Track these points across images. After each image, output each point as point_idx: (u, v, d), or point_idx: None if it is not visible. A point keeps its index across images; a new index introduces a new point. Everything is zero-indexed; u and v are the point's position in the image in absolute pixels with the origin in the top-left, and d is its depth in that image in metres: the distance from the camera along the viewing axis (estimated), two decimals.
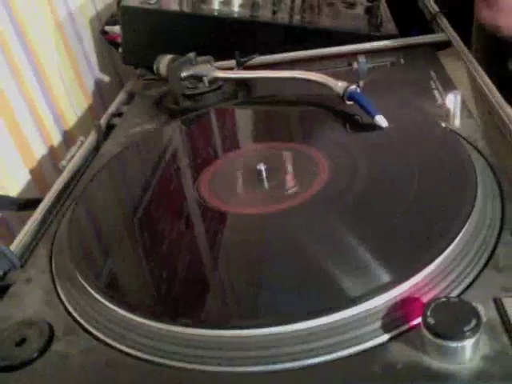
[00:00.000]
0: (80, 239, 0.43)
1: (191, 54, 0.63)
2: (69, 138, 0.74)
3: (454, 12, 0.78)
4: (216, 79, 0.62)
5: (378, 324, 0.31)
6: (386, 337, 0.31)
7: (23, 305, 0.39)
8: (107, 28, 0.85)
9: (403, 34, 0.74)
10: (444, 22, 0.74)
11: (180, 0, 0.75)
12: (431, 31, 0.76)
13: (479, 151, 0.46)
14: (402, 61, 0.65)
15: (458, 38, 0.69)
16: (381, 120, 0.48)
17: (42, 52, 0.71)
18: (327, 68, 0.67)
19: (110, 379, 0.32)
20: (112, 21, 0.86)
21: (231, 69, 0.66)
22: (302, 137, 0.53)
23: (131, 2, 0.77)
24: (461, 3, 0.87)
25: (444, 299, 0.30)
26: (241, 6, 0.75)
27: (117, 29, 0.80)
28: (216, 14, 0.74)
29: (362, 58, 0.64)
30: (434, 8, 0.79)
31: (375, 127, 0.49)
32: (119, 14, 0.75)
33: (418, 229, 0.37)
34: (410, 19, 0.91)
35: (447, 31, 0.71)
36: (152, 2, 0.75)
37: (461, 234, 0.35)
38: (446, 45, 0.71)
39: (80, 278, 0.38)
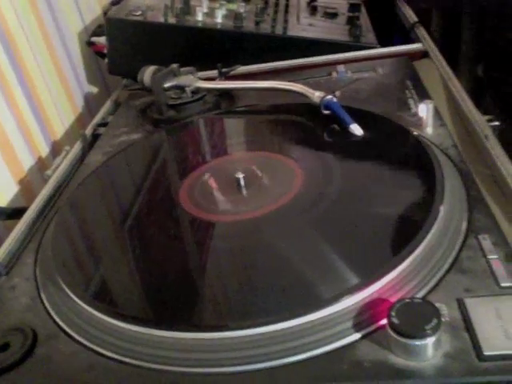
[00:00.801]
0: (64, 247, 0.44)
1: (174, 65, 0.64)
2: (56, 148, 0.75)
3: (430, 22, 0.80)
4: (199, 89, 0.64)
5: (348, 325, 0.33)
6: (354, 337, 0.32)
7: (7, 311, 0.40)
8: (94, 39, 0.86)
9: (387, 42, 0.76)
10: (422, 31, 0.77)
11: (165, 11, 0.77)
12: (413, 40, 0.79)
13: (450, 158, 0.47)
14: (380, 70, 0.67)
15: (435, 48, 0.71)
16: (355, 128, 0.50)
17: (29, 64, 0.72)
18: (308, 77, 0.69)
19: (93, 382, 0.33)
20: (98, 32, 0.88)
21: (214, 79, 0.67)
22: (279, 146, 0.54)
23: (117, 13, 0.78)
24: (438, 14, 0.90)
25: (408, 300, 0.32)
26: (224, 17, 0.77)
27: (103, 40, 0.82)
28: (200, 25, 0.76)
29: (341, 68, 0.66)
30: (413, 18, 0.81)
31: (350, 135, 0.51)
32: (105, 26, 0.77)
33: (386, 234, 0.39)
34: (393, 27, 0.93)
35: (424, 41, 0.73)
36: (137, 14, 0.77)
37: (426, 239, 0.37)
38: (424, 54, 0.73)
39: (63, 285, 0.40)
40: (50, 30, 0.79)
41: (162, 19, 0.76)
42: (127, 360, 0.34)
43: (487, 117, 0.54)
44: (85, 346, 0.35)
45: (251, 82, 0.63)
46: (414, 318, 0.31)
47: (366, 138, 0.51)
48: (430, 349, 0.30)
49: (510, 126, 0.65)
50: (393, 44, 0.76)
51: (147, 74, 0.64)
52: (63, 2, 0.85)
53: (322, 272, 0.36)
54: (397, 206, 0.42)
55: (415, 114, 0.55)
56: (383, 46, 0.75)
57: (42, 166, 0.71)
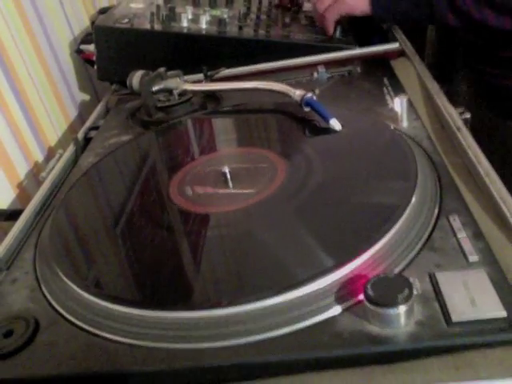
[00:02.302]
0: (61, 240, 0.47)
1: (161, 69, 0.67)
2: (49, 153, 0.77)
3: None
4: (185, 92, 0.66)
5: (329, 300, 0.36)
6: (335, 311, 0.35)
7: (9, 302, 0.42)
8: (82, 47, 0.89)
9: (366, 42, 0.79)
10: (398, 32, 0.80)
11: (151, 19, 0.79)
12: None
13: (423, 149, 0.51)
14: (359, 69, 0.70)
15: (410, 47, 0.75)
16: (335, 123, 0.53)
17: (21, 72, 0.74)
18: (291, 78, 0.72)
19: (91, 361, 0.36)
20: (87, 40, 0.90)
21: (200, 82, 0.70)
22: (263, 142, 0.57)
23: (104, 21, 0.81)
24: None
25: (383, 275, 0.35)
26: (208, 23, 0.80)
27: (92, 47, 0.84)
28: (185, 31, 0.79)
29: (321, 68, 0.69)
30: None
31: (330, 130, 0.54)
32: (93, 34, 0.80)
33: (365, 217, 0.42)
34: (372, 28, 0.96)
35: (401, 41, 0.77)
36: (124, 22, 0.80)
37: (400, 221, 0.40)
38: (401, 53, 0.77)
39: (61, 274, 0.42)
40: (39, 39, 0.82)
41: (148, 26, 0.79)
42: (121, 339, 0.36)
43: (459, 109, 0.57)
44: (82, 329, 0.38)
45: (235, 83, 0.66)
46: (388, 290, 0.33)
47: (344, 132, 0.54)
48: (403, 317, 0.33)
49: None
50: (373, 44, 0.79)
51: (135, 78, 0.67)
52: (52, 12, 0.87)
53: (305, 253, 0.39)
54: (374, 192, 0.45)
55: (392, 110, 0.58)
56: (362, 46, 0.78)
57: (36, 170, 0.73)
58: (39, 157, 0.75)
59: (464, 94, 0.97)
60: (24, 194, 0.69)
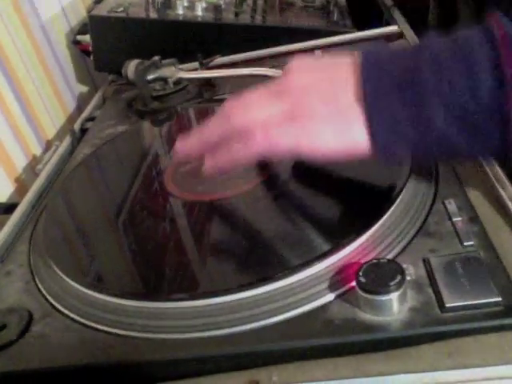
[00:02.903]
0: (54, 233, 0.47)
1: (156, 58, 0.66)
2: (46, 144, 0.77)
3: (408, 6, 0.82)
4: (181, 80, 0.66)
5: (321, 287, 0.35)
6: (327, 298, 0.35)
7: (3, 295, 0.42)
8: (79, 37, 0.88)
9: (365, 26, 0.78)
10: (397, 14, 0.78)
11: (146, 7, 0.79)
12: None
13: None
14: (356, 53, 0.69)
15: (409, 29, 0.73)
16: None
17: (16, 64, 0.74)
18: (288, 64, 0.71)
19: (84, 352, 0.36)
20: (83, 30, 0.89)
21: (195, 70, 0.69)
22: None
23: (99, 11, 0.80)
24: None
25: (375, 261, 0.34)
26: (204, 9, 0.79)
27: (88, 38, 0.84)
28: (181, 18, 0.78)
29: (318, 53, 0.68)
30: (389, 1, 0.83)
31: None
32: (89, 24, 0.79)
33: (357, 202, 0.41)
34: (371, 11, 0.95)
35: (400, 23, 0.75)
36: (119, 11, 0.79)
37: (394, 205, 0.39)
38: (400, 36, 0.75)
39: (54, 266, 0.42)
40: (35, 30, 0.81)
41: (143, 14, 0.78)
42: (114, 330, 0.36)
43: None
44: (76, 321, 0.38)
45: (230, 70, 0.65)
46: (380, 276, 0.33)
47: None
48: (396, 304, 0.32)
49: None
50: (371, 27, 0.78)
51: (130, 67, 0.66)
52: (47, 3, 0.87)
53: (296, 240, 0.39)
54: (366, 176, 0.44)
55: None
56: (362, 29, 0.77)
57: (33, 162, 0.73)
58: (37, 149, 0.75)
59: None
60: (22, 187, 0.69)
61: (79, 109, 0.89)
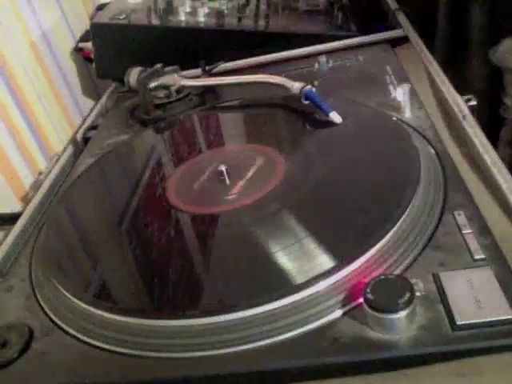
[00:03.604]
0: (55, 247, 0.46)
1: (158, 66, 0.65)
2: (49, 154, 0.76)
3: (414, 8, 0.81)
4: (183, 88, 0.65)
5: (328, 304, 0.34)
6: (334, 315, 0.34)
7: (5, 311, 0.41)
8: (81, 44, 0.88)
9: (370, 30, 0.77)
10: (402, 18, 0.77)
11: (148, 13, 0.78)
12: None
13: (427, 139, 0.49)
14: (361, 58, 0.68)
15: (414, 33, 0.72)
16: (334, 116, 0.51)
17: (18, 72, 0.73)
18: (292, 69, 0.71)
19: (84, 371, 0.35)
20: (86, 37, 0.89)
21: (198, 77, 0.69)
22: (262, 137, 0.55)
23: (101, 18, 0.80)
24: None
25: (383, 277, 0.33)
26: (207, 15, 0.78)
27: (91, 44, 0.83)
28: (183, 24, 0.77)
29: (322, 59, 0.67)
30: (394, 4, 0.82)
31: (330, 123, 0.52)
32: (90, 31, 0.78)
33: (365, 215, 0.40)
34: (376, 15, 0.94)
35: (405, 27, 0.74)
36: (121, 18, 0.78)
37: (402, 218, 0.38)
38: (405, 40, 0.74)
39: (55, 282, 0.41)
40: (37, 39, 0.81)
41: (145, 21, 0.78)
42: (115, 349, 0.35)
43: (465, 97, 0.55)
44: (76, 339, 0.37)
45: (232, 77, 0.64)
46: (389, 293, 0.32)
47: (344, 125, 0.52)
48: (404, 322, 0.31)
49: None
50: (378, 31, 0.77)
51: (132, 75, 0.65)
52: (49, 9, 0.86)
53: (303, 255, 0.38)
54: (374, 189, 0.43)
55: (394, 99, 0.56)
56: (368, 33, 0.76)
57: (35, 171, 0.72)
58: (39, 158, 0.74)
59: (478, 77, 0.94)
60: (24, 197, 0.68)
61: (81, 114, 0.89)
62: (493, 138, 0.76)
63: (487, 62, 0.89)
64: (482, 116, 0.80)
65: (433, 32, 1.01)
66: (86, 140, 0.70)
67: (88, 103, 0.92)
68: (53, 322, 0.39)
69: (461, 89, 0.84)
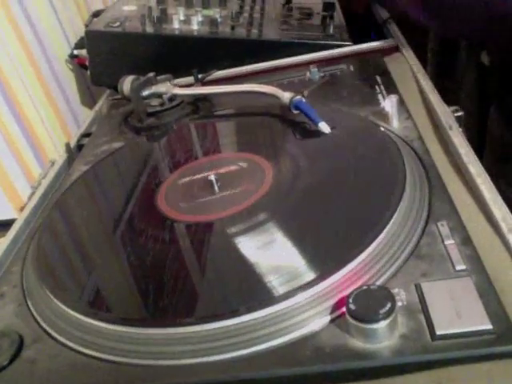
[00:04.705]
0: (47, 254, 0.47)
1: (151, 74, 0.66)
2: (45, 161, 0.77)
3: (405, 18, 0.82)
4: (176, 96, 0.66)
5: (311, 313, 0.35)
6: (317, 324, 0.34)
7: None
8: (76, 51, 0.88)
9: (364, 39, 0.78)
10: (393, 27, 0.78)
11: (142, 21, 0.79)
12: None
13: (413, 149, 0.49)
14: (352, 67, 0.69)
15: (405, 43, 0.73)
16: (323, 127, 0.52)
17: (13, 80, 0.74)
18: (284, 78, 0.71)
19: (74, 380, 0.35)
20: (81, 44, 0.89)
21: (191, 85, 0.69)
22: (253, 147, 0.56)
23: (95, 26, 0.81)
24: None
25: (365, 287, 0.34)
26: (201, 23, 0.79)
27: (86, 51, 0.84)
28: (177, 33, 0.78)
29: (313, 68, 0.68)
30: (385, 14, 0.83)
31: (319, 133, 0.53)
32: (85, 39, 0.79)
33: (349, 226, 0.41)
34: (370, 25, 0.95)
35: (395, 36, 0.75)
36: (115, 25, 0.79)
37: (386, 229, 0.39)
38: (397, 49, 0.75)
39: (45, 289, 0.42)
40: (31, 45, 0.81)
41: (140, 29, 0.78)
42: (105, 356, 0.36)
43: (452, 108, 0.56)
44: (66, 346, 0.38)
45: (224, 86, 0.65)
46: (370, 303, 0.32)
47: (332, 134, 0.52)
48: (386, 331, 0.32)
49: None
50: (372, 39, 0.77)
51: (126, 83, 0.66)
52: (44, 16, 0.87)
53: (285, 266, 0.38)
54: (359, 199, 0.44)
55: (383, 109, 0.56)
56: (361, 43, 0.77)
57: (30, 177, 0.73)
58: (34, 164, 0.75)
59: (470, 90, 0.95)
60: (18, 204, 0.69)
61: (78, 123, 0.89)
62: (480, 149, 0.77)
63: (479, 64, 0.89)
64: (473, 121, 0.81)
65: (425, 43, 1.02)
66: (80, 147, 0.71)
67: (84, 111, 0.93)
68: (43, 329, 0.40)
69: (452, 94, 0.85)
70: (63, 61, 0.90)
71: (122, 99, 0.74)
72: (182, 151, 0.60)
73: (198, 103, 0.68)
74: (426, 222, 0.41)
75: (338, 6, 0.88)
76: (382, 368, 0.31)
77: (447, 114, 0.54)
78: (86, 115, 0.86)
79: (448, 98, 0.58)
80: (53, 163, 0.66)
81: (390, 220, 0.39)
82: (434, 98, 0.57)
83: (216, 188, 0.48)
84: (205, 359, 0.34)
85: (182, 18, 0.80)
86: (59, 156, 0.69)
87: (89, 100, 0.96)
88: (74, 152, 0.69)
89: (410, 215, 0.41)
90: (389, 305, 0.32)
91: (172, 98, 0.66)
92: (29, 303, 0.43)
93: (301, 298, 0.35)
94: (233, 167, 0.51)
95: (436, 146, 0.52)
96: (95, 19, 0.88)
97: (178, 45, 0.77)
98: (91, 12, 1.02)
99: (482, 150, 0.78)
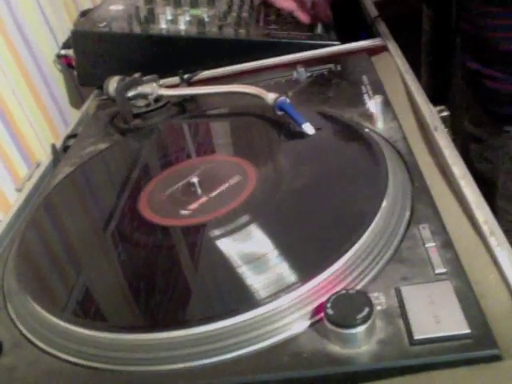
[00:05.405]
0: (27, 258, 0.46)
1: (136, 75, 0.66)
2: (32, 162, 0.76)
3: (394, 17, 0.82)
4: (162, 97, 0.65)
5: (289, 319, 0.35)
6: (295, 330, 0.34)
7: None
8: (63, 52, 0.88)
9: (354, 37, 0.78)
10: (382, 26, 0.78)
11: (129, 21, 0.78)
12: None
13: (397, 151, 0.49)
14: (339, 67, 0.69)
15: (393, 42, 0.73)
16: (307, 128, 0.52)
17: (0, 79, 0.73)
18: (271, 78, 0.71)
19: None
20: (68, 44, 0.89)
21: (177, 86, 0.69)
22: (237, 148, 0.56)
23: (82, 26, 0.80)
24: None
25: (343, 292, 0.34)
26: (188, 23, 0.79)
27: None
28: (164, 33, 0.77)
29: (300, 68, 0.68)
30: (374, 13, 0.83)
31: (303, 134, 0.52)
32: (71, 39, 0.79)
33: (330, 229, 0.41)
34: (359, 23, 0.94)
35: (384, 35, 0.75)
36: (102, 25, 0.78)
37: (367, 232, 0.38)
38: (385, 48, 0.75)
39: (24, 294, 0.41)
40: (18, 46, 0.81)
41: (126, 29, 0.78)
42: (83, 362, 0.35)
43: (439, 108, 0.56)
44: (45, 352, 0.37)
45: (209, 87, 0.65)
46: (348, 308, 0.32)
47: (316, 135, 0.52)
48: (364, 336, 0.32)
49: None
50: (362, 38, 0.77)
51: (111, 84, 0.66)
52: (30, 15, 0.86)
53: (265, 271, 0.38)
54: (340, 201, 0.43)
55: (369, 109, 0.56)
56: (349, 42, 0.76)
57: (16, 178, 0.72)
58: (20, 165, 0.74)
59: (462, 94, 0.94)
60: (7, 206, 0.68)
61: (65, 122, 0.89)
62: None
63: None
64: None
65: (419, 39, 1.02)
66: (66, 148, 0.70)
67: (72, 111, 0.92)
68: (22, 334, 0.40)
69: (443, 92, 0.84)
70: (51, 61, 0.90)
71: (108, 99, 0.74)
72: (168, 153, 0.59)
73: (183, 104, 0.68)
74: (408, 225, 0.40)
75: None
76: (359, 373, 0.31)
77: (433, 115, 0.54)
78: (75, 115, 0.85)
79: (439, 97, 0.58)
80: (38, 165, 0.66)
81: (370, 224, 0.39)
82: (420, 98, 0.57)
83: (198, 191, 0.48)
84: (180, 365, 0.33)
85: (169, 17, 0.79)
86: (45, 157, 0.68)
87: (77, 100, 0.96)
88: (60, 153, 0.69)
89: (391, 219, 0.40)
90: (367, 310, 0.32)
91: (158, 98, 0.66)
92: (8, 307, 0.43)
93: (280, 303, 0.35)
94: (217, 169, 0.51)
95: (421, 146, 0.52)
96: (82, 19, 0.87)
97: (165, 45, 0.77)
98: (79, 11, 1.01)
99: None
